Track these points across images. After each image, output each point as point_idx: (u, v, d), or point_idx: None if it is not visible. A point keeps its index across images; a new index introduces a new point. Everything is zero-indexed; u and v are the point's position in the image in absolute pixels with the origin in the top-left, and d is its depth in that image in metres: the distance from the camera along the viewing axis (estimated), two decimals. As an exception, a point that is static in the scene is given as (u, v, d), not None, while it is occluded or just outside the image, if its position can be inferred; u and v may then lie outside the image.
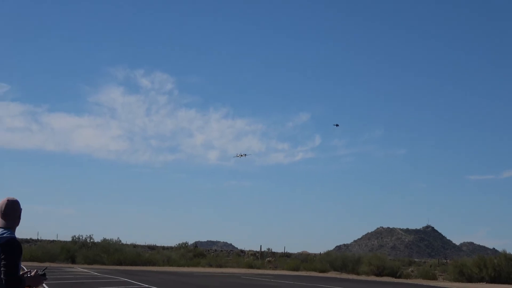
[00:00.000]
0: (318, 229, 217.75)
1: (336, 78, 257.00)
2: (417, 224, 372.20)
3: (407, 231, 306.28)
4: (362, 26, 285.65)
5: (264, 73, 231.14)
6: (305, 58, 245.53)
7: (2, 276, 6.52)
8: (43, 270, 7.12)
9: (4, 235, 6.70)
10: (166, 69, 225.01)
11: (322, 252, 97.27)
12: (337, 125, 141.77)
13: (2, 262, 6.54)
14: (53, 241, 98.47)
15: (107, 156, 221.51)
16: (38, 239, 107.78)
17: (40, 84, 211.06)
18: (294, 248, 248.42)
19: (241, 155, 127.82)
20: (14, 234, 6.82)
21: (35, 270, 7.02)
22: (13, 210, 6.93)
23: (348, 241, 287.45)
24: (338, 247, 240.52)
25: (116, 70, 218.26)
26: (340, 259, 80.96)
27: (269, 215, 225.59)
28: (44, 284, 26.45)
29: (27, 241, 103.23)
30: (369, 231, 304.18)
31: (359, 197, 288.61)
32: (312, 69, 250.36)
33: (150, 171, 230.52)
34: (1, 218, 6.90)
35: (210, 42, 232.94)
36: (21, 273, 6.85)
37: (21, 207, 7.07)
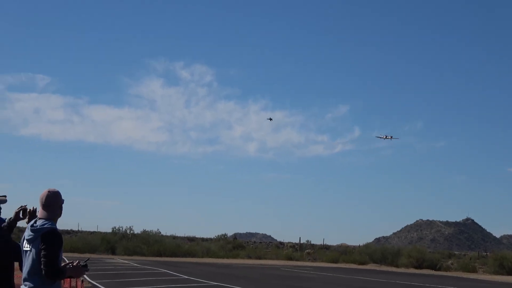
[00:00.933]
0: (357, 222, 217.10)
1: (375, 70, 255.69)
2: (456, 216, 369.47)
3: (447, 223, 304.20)
4: (399, 20, 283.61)
5: (303, 65, 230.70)
6: (344, 50, 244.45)
7: (42, 266, 6.52)
8: (85, 261, 7.10)
9: (45, 226, 6.70)
10: (206, 61, 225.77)
11: (361, 244, 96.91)
12: (270, 119, 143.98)
13: (42, 253, 6.53)
14: (94, 232, 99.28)
15: (147, 147, 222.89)
16: (78, 230, 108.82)
17: (80, 77, 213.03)
18: (333, 240, 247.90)
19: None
20: (55, 225, 6.81)
21: (77, 261, 7.01)
22: (53, 202, 6.91)
23: (388, 233, 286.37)
24: (377, 240, 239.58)
25: (156, 63, 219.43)
26: (380, 252, 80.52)
27: (308, 207, 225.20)
28: (85, 275, 26.62)
29: (68, 232, 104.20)
30: (409, 224, 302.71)
31: (399, 190, 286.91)
32: (351, 62, 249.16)
33: (190, 162, 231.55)
34: (43, 209, 6.90)
35: (250, 35, 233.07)
36: (62, 264, 6.84)
37: (62, 198, 7.06)
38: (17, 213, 7.81)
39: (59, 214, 7.00)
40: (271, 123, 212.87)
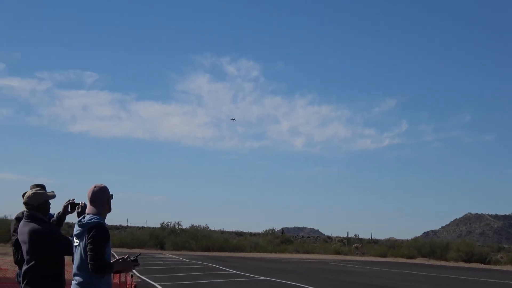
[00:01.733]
0: (405, 215, 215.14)
1: (422, 63, 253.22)
2: (506, 209, 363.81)
3: (496, 217, 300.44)
4: (446, 15, 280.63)
5: (350, 59, 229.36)
6: (391, 44, 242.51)
7: (88, 260, 6.53)
8: (135, 256, 7.08)
9: (92, 221, 6.71)
10: (252, 56, 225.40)
11: (409, 238, 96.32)
12: (233, 119, 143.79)
13: (89, 247, 6.54)
14: (142, 227, 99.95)
15: (194, 143, 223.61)
16: (127, 225, 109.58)
17: (128, 73, 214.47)
18: (381, 234, 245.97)
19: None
20: (102, 220, 6.80)
21: (126, 256, 7.00)
22: (99, 197, 6.91)
23: (436, 227, 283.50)
24: (426, 234, 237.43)
25: (202, 58, 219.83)
26: (428, 245, 79.88)
27: (355, 201, 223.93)
28: (134, 270, 26.79)
29: (117, 227, 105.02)
30: (457, 217, 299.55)
31: (447, 183, 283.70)
32: (398, 55, 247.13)
33: (237, 157, 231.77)
34: (90, 205, 6.92)
35: (296, 29, 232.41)
36: (112, 261, 6.84)
37: (111, 193, 7.04)
38: (65, 207, 7.87)
39: (108, 209, 6.99)
40: (317, 118, 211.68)
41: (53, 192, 8.17)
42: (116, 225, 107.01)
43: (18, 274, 8.94)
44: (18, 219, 8.80)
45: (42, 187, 8.75)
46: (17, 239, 8.68)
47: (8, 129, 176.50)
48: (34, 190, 7.89)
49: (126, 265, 6.85)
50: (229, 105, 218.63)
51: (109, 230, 6.96)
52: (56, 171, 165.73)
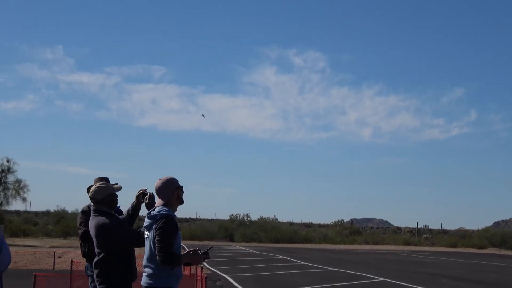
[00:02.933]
0: (475, 205, 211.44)
1: (491, 50, 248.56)
2: None
3: None
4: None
5: (416, 48, 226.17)
6: (459, 33, 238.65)
7: (156, 252, 6.53)
8: (207, 249, 7.04)
9: (160, 212, 6.71)
10: (318, 47, 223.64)
11: (480, 228, 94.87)
12: (203, 115, 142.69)
13: (156, 238, 6.55)
14: (211, 220, 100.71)
15: (262, 135, 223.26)
16: (197, 218, 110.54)
17: (196, 66, 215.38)
18: (451, 224, 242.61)
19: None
20: (171, 211, 6.78)
21: (197, 248, 6.97)
22: (164, 189, 6.90)
23: (507, 217, 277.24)
24: (497, 223, 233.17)
25: (269, 50, 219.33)
26: (499, 235, 78.66)
27: (425, 191, 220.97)
28: (204, 262, 26.95)
29: (186, 220, 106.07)
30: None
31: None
32: (466, 44, 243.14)
33: (305, 149, 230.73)
34: (158, 197, 6.93)
35: (362, 19, 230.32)
36: (182, 253, 6.82)
37: (180, 185, 6.99)
38: (137, 197, 7.91)
39: (176, 201, 6.93)
40: (385, 108, 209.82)
41: (117, 184, 8.21)
42: (186, 218, 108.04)
43: (86, 267, 9.04)
44: (84, 212, 8.92)
45: (106, 180, 8.83)
46: (83, 232, 8.79)
47: (78, 124, 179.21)
48: (98, 184, 7.95)
49: (196, 258, 6.81)
50: (296, 97, 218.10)
51: (178, 223, 6.95)
52: (126, 165, 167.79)
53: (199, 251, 6.85)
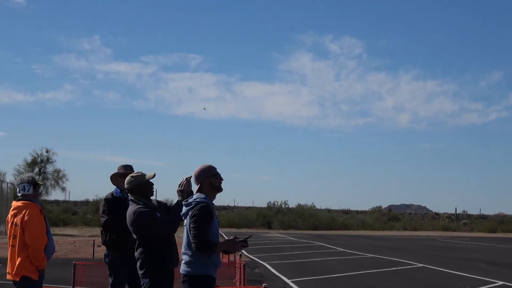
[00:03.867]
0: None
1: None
2: None
3: None
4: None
5: (454, 31, 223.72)
6: (495, 14, 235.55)
7: (191, 239, 6.57)
8: (246, 237, 7.02)
9: (196, 199, 6.74)
10: (354, 33, 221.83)
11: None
12: (204, 108, 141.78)
13: (191, 225, 6.59)
14: (249, 207, 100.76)
15: (299, 122, 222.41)
16: (235, 206, 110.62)
17: (231, 54, 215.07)
18: (490, 209, 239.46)
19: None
20: (207, 199, 6.79)
21: (234, 237, 6.98)
22: (198, 176, 6.92)
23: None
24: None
25: (305, 37, 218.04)
26: (539, 220, 77.96)
27: (463, 177, 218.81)
28: (243, 250, 27.01)
29: (224, 208, 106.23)
30: None
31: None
32: (505, 24, 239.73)
33: (342, 135, 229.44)
34: (195, 185, 6.97)
35: (397, 4, 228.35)
36: (222, 241, 6.85)
37: (216, 172, 6.97)
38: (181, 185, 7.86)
39: (210, 188, 6.91)
40: (422, 93, 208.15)
41: (140, 173, 8.12)
42: (224, 206, 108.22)
43: (105, 255, 9.11)
44: (107, 200, 9.01)
45: (129, 168, 8.96)
46: (105, 220, 8.87)
47: (116, 113, 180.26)
48: (133, 174, 7.94)
49: (234, 245, 6.81)
50: (332, 83, 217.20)
51: (216, 211, 6.98)
52: (165, 153, 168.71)
53: (238, 239, 6.86)
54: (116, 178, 9.07)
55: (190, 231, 6.60)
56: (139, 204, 7.62)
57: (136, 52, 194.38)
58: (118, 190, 9.02)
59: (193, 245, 6.54)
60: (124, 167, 9.11)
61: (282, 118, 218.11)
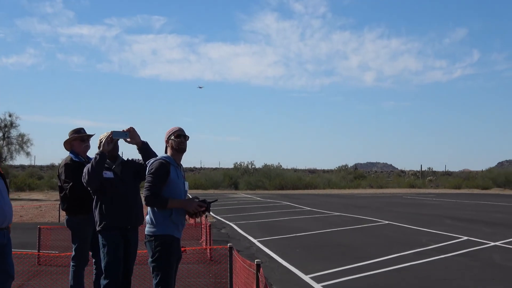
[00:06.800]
0: (479, 146, 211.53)
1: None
2: None
3: None
4: None
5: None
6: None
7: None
8: (210, 201, 6.96)
9: (157, 158, 6.85)
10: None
11: (484, 169, 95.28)
12: (200, 87, 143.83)
13: (145, 181, 6.74)
14: (216, 168, 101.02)
15: (265, 83, 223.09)
16: (201, 167, 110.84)
17: (196, 15, 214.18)
18: (455, 166, 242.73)
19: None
20: (167, 158, 6.80)
21: (195, 196, 7.00)
22: (165, 139, 7.01)
23: (511, 156, 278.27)
24: (501, 164, 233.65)
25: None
26: (503, 175, 79.07)
27: (428, 134, 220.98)
28: (208, 213, 27.14)
29: (191, 169, 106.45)
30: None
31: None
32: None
33: (308, 95, 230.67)
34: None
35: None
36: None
37: (176, 133, 6.95)
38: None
39: (172, 149, 6.92)
40: (387, 52, 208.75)
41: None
42: (190, 167, 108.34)
43: (67, 221, 8.97)
44: (67, 165, 8.69)
45: (78, 131, 8.90)
46: (71, 186, 8.73)
47: (80, 77, 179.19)
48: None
49: (189, 203, 6.79)
50: (297, 43, 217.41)
51: (184, 172, 7.08)
52: (131, 116, 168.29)
53: (198, 199, 6.86)
54: (71, 143, 8.94)
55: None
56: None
57: (99, 14, 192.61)
58: (75, 155, 8.90)
59: (143, 199, 6.67)
60: (77, 131, 8.98)
61: (248, 79, 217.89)
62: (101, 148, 7.49)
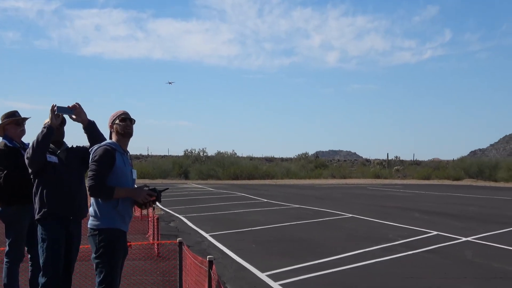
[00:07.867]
0: (450, 134, 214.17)
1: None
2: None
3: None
4: None
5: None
6: None
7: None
8: (160, 190, 6.93)
9: (101, 144, 6.79)
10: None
11: (455, 158, 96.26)
12: (170, 82, 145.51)
13: (89, 170, 6.69)
14: (164, 156, 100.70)
15: (218, 62, 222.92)
16: (148, 154, 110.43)
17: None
18: (424, 155, 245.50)
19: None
20: (112, 144, 6.76)
21: (144, 184, 6.97)
22: (109, 124, 6.99)
23: (484, 145, 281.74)
24: (473, 153, 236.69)
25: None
26: (476, 165, 79.92)
27: (396, 120, 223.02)
28: (158, 203, 27.05)
29: (137, 157, 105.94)
30: (507, 134, 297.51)
31: (496, 96, 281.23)
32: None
33: (265, 76, 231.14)
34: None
35: None
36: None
37: (120, 117, 6.91)
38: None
39: (116, 134, 6.87)
40: (352, 30, 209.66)
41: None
42: (137, 155, 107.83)
43: (0, 212, 8.91)
44: (1, 151, 8.67)
45: (12, 115, 8.81)
46: (5, 174, 8.60)
47: (16, 54, 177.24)
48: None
49: (137, 192, 6.78)
50: (254, 20, 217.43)
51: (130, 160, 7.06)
52: (72, 97, 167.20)
53: (147, 188, 6.83)
54: (4, 128, 8.83)
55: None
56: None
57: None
58: (9, 140, 8.78)
59: (87, 189, 6.64)
60: (11, 114, 8.88)
61: (200, 58, 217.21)
62: (49, 122, 7.40)
